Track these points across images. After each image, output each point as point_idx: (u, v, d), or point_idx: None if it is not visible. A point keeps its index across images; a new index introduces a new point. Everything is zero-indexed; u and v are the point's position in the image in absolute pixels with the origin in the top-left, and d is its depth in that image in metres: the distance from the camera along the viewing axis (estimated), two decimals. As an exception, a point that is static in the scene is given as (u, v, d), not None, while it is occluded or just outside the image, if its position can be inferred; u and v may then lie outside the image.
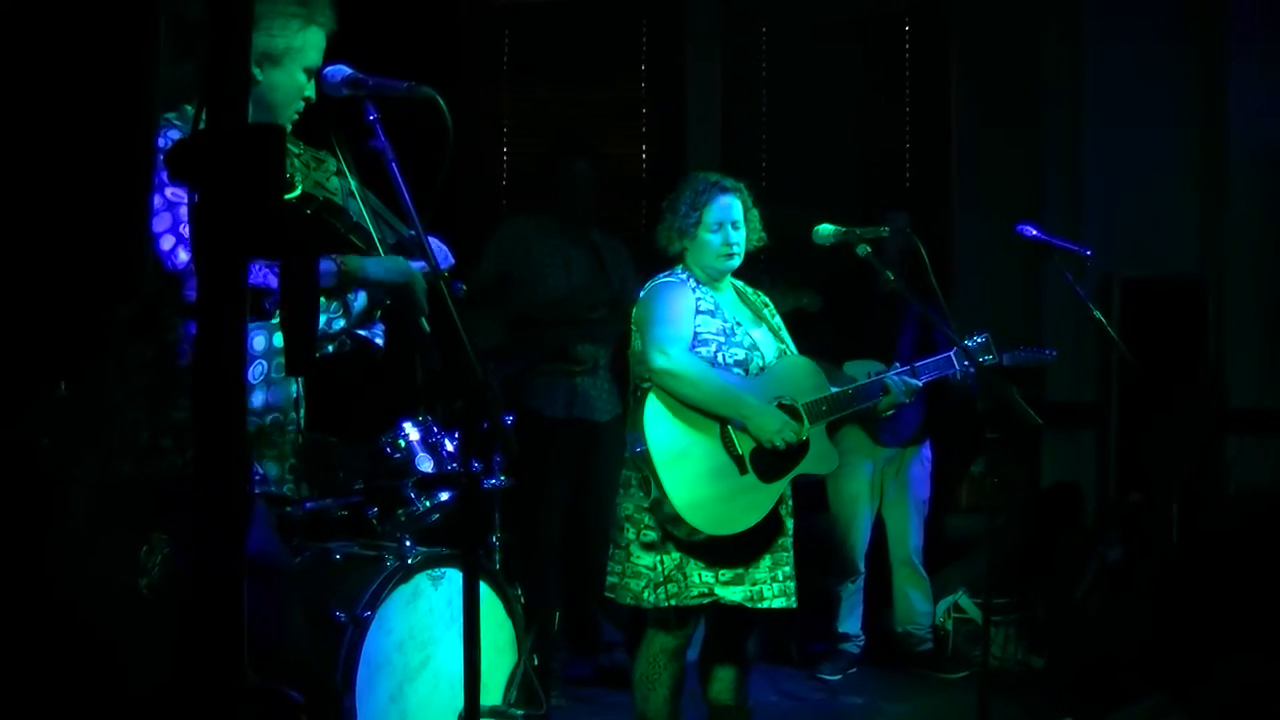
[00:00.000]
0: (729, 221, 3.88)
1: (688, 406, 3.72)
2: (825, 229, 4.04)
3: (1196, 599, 5.17)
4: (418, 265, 2.91)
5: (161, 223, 2.70)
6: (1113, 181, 6.33)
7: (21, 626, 3.24)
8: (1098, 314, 4.51)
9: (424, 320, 2.88)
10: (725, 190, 3.91)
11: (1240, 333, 6.22)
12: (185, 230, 2.69)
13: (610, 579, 3.87)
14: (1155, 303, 6.21)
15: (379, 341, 3.13)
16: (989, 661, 4.31)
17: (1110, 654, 5.29)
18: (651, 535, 3.76)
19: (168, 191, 2.67)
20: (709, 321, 3.84)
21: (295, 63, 2.90)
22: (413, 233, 2.84)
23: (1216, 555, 5.40)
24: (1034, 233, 4.54)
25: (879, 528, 5.79)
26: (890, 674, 5.73)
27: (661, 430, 3.70)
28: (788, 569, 3.89)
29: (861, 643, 5.75)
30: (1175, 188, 6.34)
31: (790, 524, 3.93)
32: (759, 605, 3.82)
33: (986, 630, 4.27)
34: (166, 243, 2.70)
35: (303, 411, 3.13)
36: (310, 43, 2.91)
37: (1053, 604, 5.77)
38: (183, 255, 2.70)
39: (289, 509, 3.94)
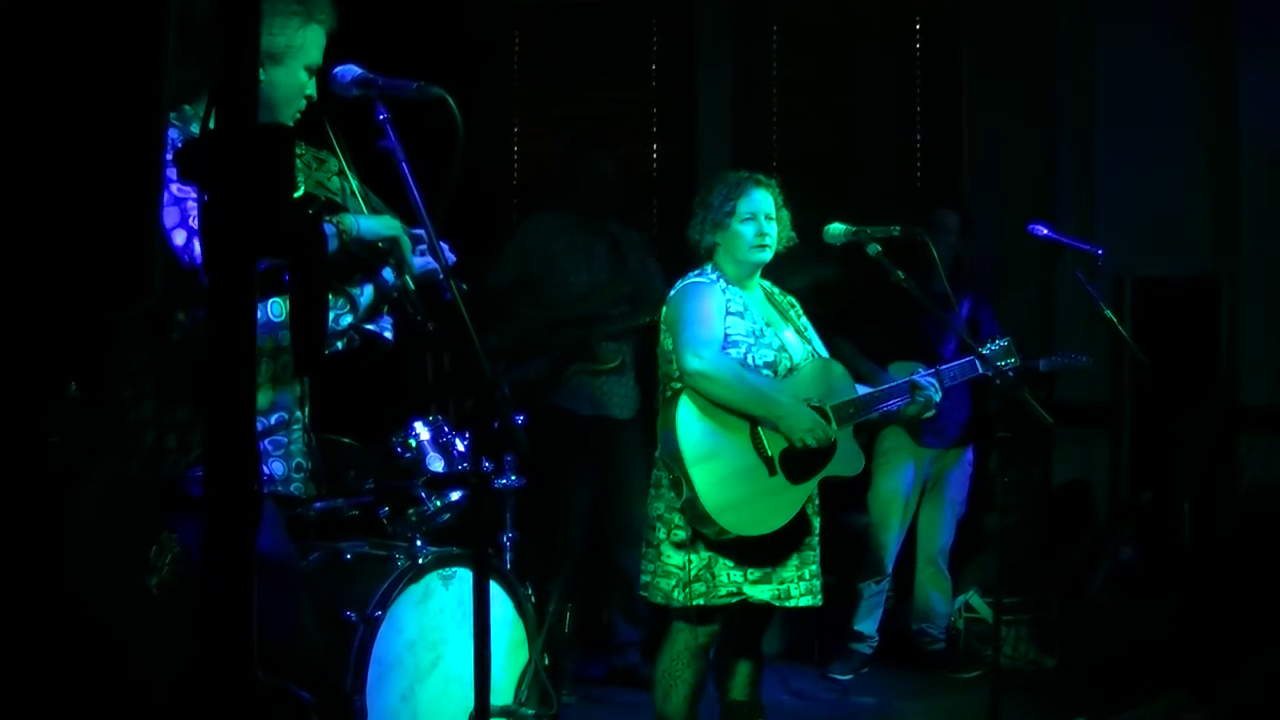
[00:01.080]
0: (763, 213, 3.91)
1: (719, 407, 3.73)
2: (836, 228, 4.03)
3: (1210, 597, 5.16)
4: (425, 264, 2.93)
5: (171, 217, 2.69)
6: (1124, 180, 6.31)
7: (34, 625, 3.25)
8: (1109, 313, 4.50)
9: (409, 279, 2.95)
10: (760, 184, 3.95)
11: (1253, 331, 6.19)
12: (195, 223, 2.69)
13: (644, 578, 3.89)
14: (1167, 301, 6.20)
15: (388, 335, 3.14)
16: (1000, 661, 4.30)
17: (1123, 653, 5.27)
18: (681, 535, 3.78)
19: (173, 187, 2.67)
20: (738, 323, 3.85)
21: (296, 61, 2.91)
22: (420, 230, 2.86)
23: (1229, 553, 5.38)
24: (1045, 232, 4.53)
25: (910, 526, 5.75)
26: (902, 673, 5.71)
27: (693, 431, 3.71)
28: (814, 567, 3.92)
29: (875, 643, 5.72)
30: (1186, 186, 6.32)
31: (816, 523, 3.95)
32: (786, 604, 3.85)
33: (997, 630, 4.24)
34: (179, 237, 2.70)
35: (308, 410, 3.13)
36: (311, 40, 2.92)
37: (1065, 603, 5.76)
38: (198, 247, 2.70)
39: (299, 509, 3.95)
